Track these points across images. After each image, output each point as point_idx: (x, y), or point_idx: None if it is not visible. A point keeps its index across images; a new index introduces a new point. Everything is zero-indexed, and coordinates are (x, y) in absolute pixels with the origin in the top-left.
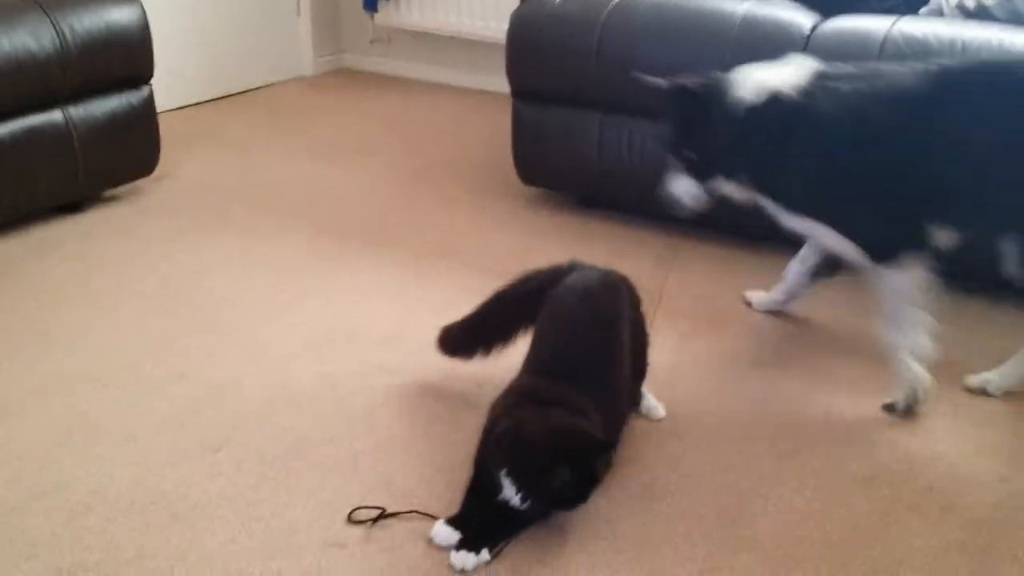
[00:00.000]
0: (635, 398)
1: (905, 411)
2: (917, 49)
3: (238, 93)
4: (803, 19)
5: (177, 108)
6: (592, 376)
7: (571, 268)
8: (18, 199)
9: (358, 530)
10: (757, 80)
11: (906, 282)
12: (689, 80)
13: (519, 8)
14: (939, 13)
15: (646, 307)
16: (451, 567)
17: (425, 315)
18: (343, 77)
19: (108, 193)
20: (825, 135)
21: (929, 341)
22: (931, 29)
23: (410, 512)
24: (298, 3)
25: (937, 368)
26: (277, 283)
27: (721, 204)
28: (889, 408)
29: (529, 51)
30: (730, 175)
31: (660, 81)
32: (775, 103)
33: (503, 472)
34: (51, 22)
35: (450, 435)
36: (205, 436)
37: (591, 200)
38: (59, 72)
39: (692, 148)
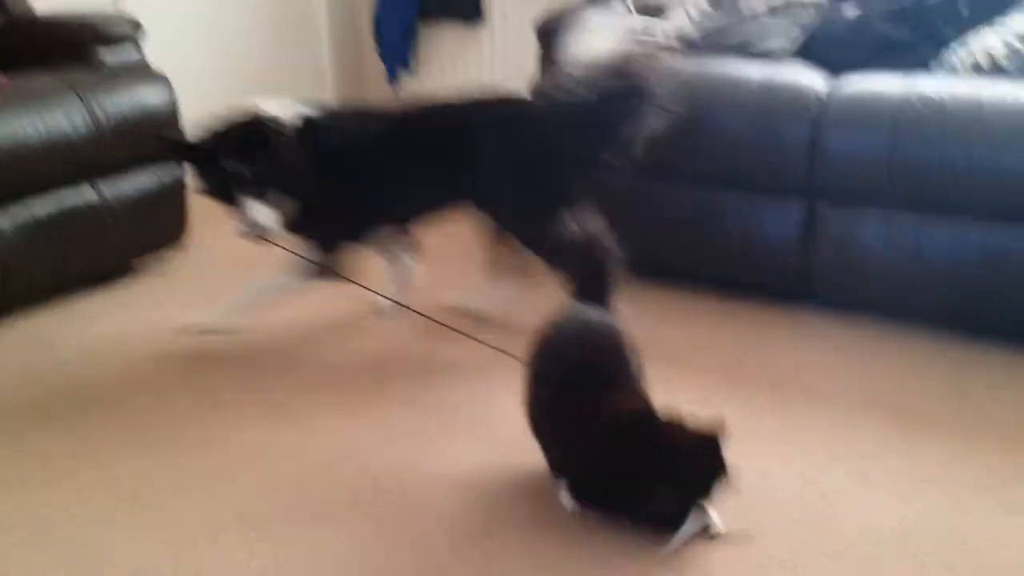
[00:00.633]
0: None
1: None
2: (933, 110)
3: None
4: (818, 82)
5: None
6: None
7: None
8: (55, 272)
9: None
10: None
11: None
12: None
13: (538, 80)
14: (953, 71)
15: None
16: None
17: None
18: None
19: (139, 265)
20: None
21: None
22: (947, 89)
23: None
24: (325, 77)
25: (970, 424)
26: (306, 345)
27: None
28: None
29: None
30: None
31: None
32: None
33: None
34: (83, 104)
35: (481, 498)
36: (238, 504)
37: None
38: (92, 151)
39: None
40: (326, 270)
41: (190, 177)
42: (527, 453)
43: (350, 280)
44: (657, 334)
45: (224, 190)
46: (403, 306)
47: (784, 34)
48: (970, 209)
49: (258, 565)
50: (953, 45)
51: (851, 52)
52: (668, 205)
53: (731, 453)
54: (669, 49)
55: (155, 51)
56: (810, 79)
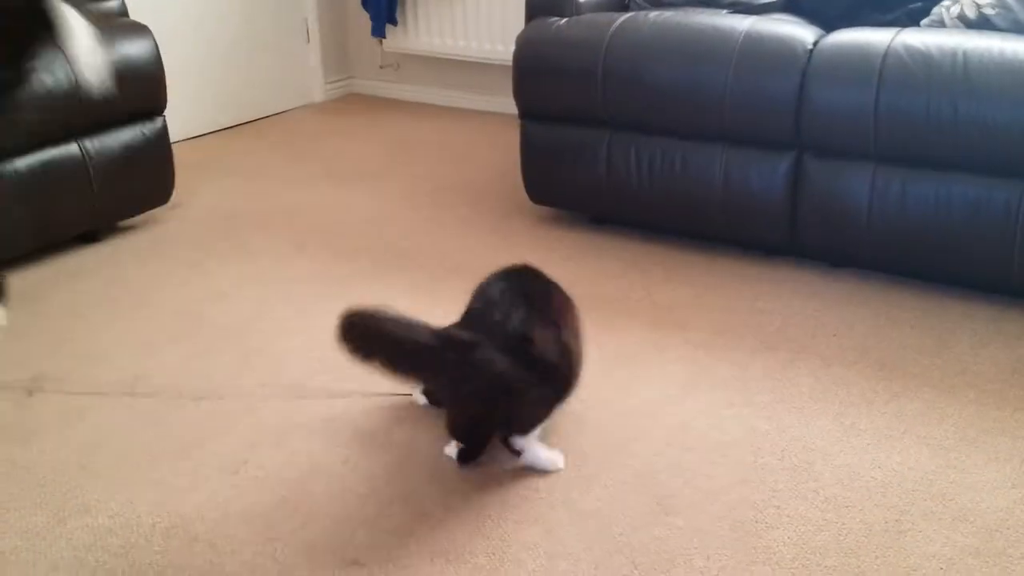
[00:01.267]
0: None
1: None
2: (919, 60)
3: (249, 122)
4: (805, 34)
5: (190, 138)
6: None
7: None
8: (39, 229)
9: (376, 550)
10: None
11: None
12: None
13: (524, 31)
14: (940, 24)
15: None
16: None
17: None
18: (353, 103)
19: (125, 223)
20: None
21: None
22: (933, 40)
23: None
24: (307, 31)
25: (951, 377)
26: (292, 307)
27: (738, 218)
28: None
29: (535, 73)
30: None
31: None
32: None
33: None
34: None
35: None
36: (223, 458)
37: (603, 218)
38: (75, 106)
39: None
40: None
41: None
42: None
43: None
44: (641, 289)
45: None
46: None
47: None
48: (955, 162)
49: None
50: None
51: (839, 6)
52: (652, 158)
53: (717, 405)
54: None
55: (136, 1)
56: (797, 31)
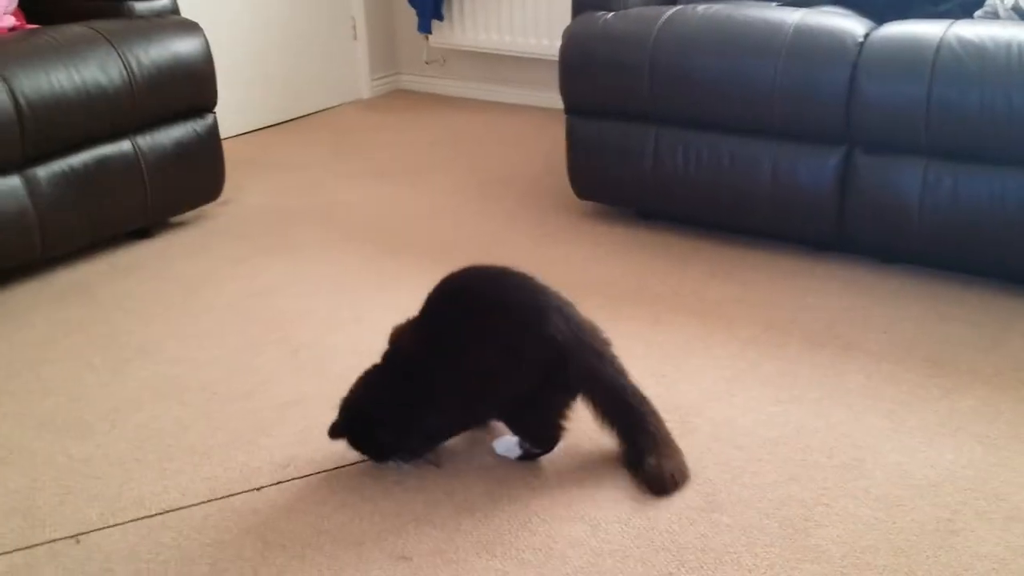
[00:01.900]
0: None
1: None
2: (972, 53)
3: (298, 118)
4: (856, 27)
5: (240, 134)
6: None
7: None
8: (93, 225)
9: (425, 543)
10: None
11: None
12: None
13: (571, 25)
14: (994, 15)
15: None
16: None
17: None
18: (400, 98)
19: (176, 219)
20: None
21: None
22: (987, 32)
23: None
24: (355, 28)
25: (1005, 373)
26: (341, 301)
27: (786, 213)
28: None
29: (582, 67)
30: None
31: None
32: None
33: None
34: (118, 55)
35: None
36: (273, 453)
37: (649, 213)
38: (128, 104)
39: None
40: None
41: None
42: None
43: None
44: (688, 285)
45: None
46: None
47: None
48: (1010, 156)
49: None
50: None
51: None
52: (700, 153)
53: (765, 402)
54: None
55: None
56: (848, 24)
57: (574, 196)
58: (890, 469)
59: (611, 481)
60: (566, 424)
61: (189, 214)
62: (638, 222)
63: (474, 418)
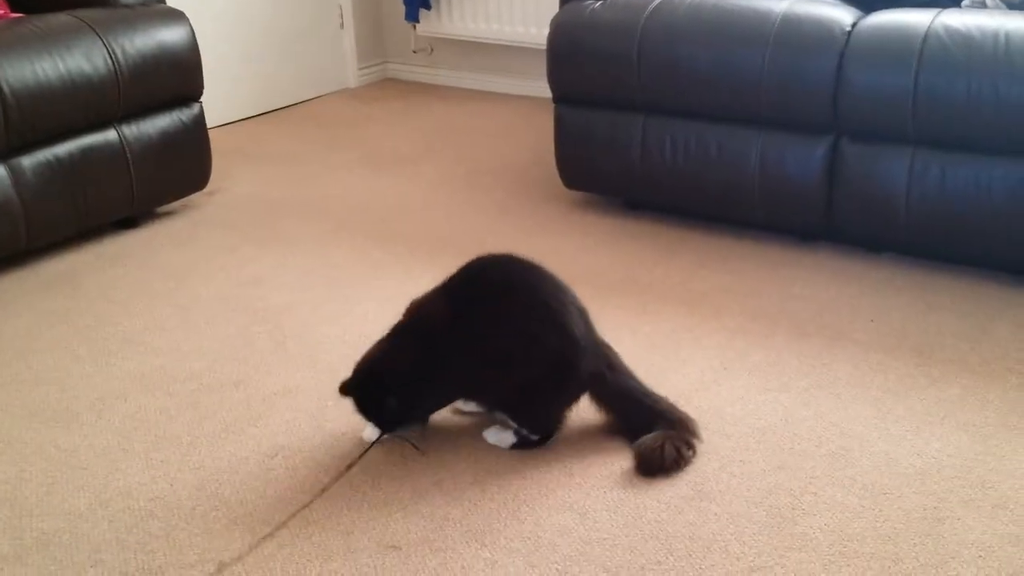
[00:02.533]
0: None
1: None
2: (959, 42)
3: (284, 107)
4: (844, 15)
5: (226, 124)
6: None
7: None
8: (79, 215)
9: (413, 532)
10: None
11: None
12: None
13: (558, 14)
14: (981, 5)
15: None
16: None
17: None
18: (387, 88)
19: (162, 209)
20: None
21: None
22: (974, 21)
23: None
24: (341, 16)
25: (991, 363)
26: (329, 291)
27: (774, 203)
28: None
29: (569, 56)
30: None
31: None
32: None
33: None
34: (103, 44)
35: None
36: (261, 442)
37: (636, 203)
38: (113, 93)
39: None
40: None
41: None
42: None
43: None
44: (675, 275)
45: None
46: None
47: None
48: (996, 145)
49: None
50: None
51: None
52: (688, 142)
53: (753, 391)
54: None
55: None
56: (835, 12)
57: (562, 186)
58: (877, 457)
59: (599, 469)
60: (566, 418)
61: (175, 204)
62: (626, 212)
63: (479, 397)
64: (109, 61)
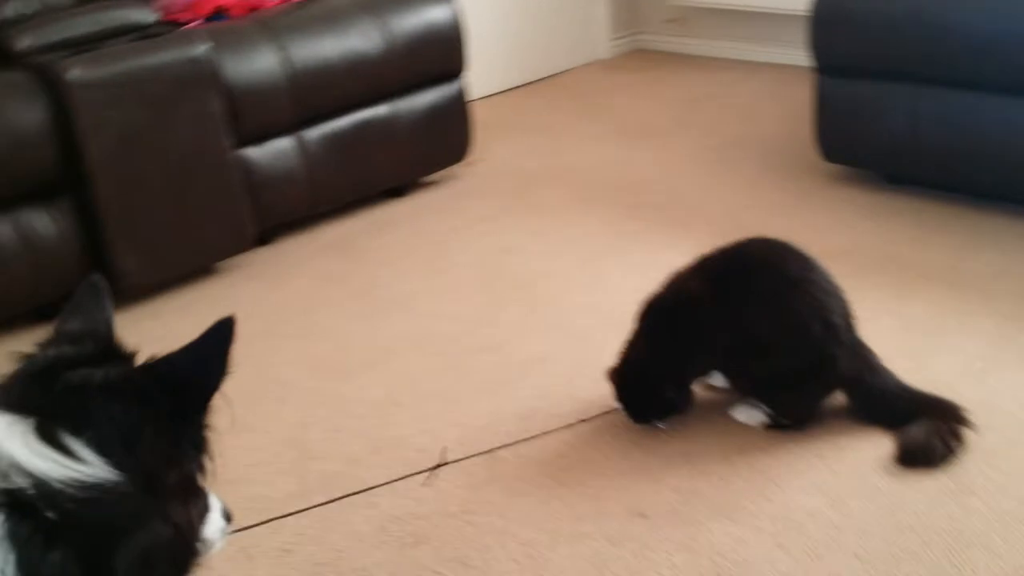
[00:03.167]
0: None
1: None
2: None
3: (540, 79)
4: None
5: (485, 97)
6: None
7: None
8: (354, 185)
9: (661, 503)
10: None
11: None
12: None
13: None
14: None
15: None
16: None
17: None
18: (639, 58)
19: (426, 179)
20: None
21: None
22: None
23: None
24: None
25: None
26: (581, 261)
27: None
28: None
29: (837, 22)
30: None
31: None
32: None
33: None
34: (379, 24)
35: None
36: (518, 404)
37: (899, 177)
38: (386, 70)
39: None
40: None
41: None
42: None
43: None
44: (942, 253)
45: None
46: None
47: None
48: None
49: None
50: None
51: None
52: (965, 117)
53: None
54: None
55: None
56: None
57: (817, 158)
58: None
59: (851, 454)
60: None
61: (438, 174)
62: (886, 187)
63: (732, 379)
64: (383, 40)
